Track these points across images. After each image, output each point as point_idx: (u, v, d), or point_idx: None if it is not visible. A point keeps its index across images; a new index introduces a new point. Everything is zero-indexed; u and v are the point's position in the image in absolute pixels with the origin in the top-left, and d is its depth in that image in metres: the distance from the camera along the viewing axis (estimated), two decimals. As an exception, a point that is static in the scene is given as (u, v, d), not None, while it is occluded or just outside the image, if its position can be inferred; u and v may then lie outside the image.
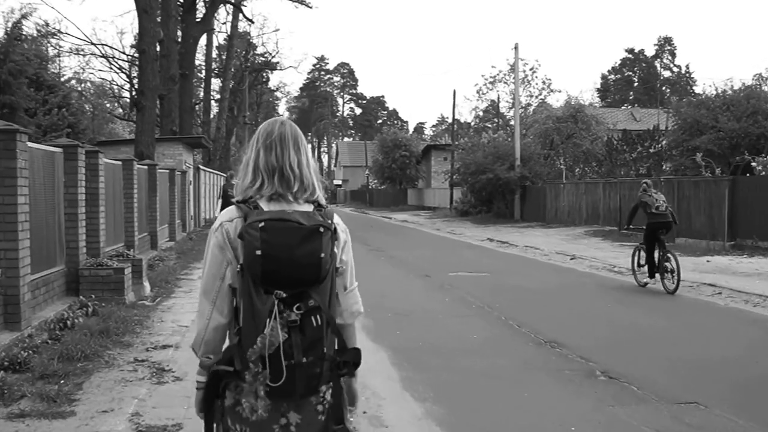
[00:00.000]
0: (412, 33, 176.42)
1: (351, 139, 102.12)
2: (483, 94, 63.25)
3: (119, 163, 12.76)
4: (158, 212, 16.08)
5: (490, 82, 62.48)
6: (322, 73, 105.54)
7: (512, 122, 48.01)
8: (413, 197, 51.78)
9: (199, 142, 23.92)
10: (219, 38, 46.42)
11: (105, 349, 6.86)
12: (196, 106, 39.84)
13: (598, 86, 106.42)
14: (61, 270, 9.05)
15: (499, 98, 56.20)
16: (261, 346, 2.13)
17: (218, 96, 43.00)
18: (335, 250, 2.30)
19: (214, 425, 2.36)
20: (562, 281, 13.42)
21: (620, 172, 34.92)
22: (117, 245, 12.23)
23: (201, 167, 27.77)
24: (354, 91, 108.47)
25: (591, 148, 37.09)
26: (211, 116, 44.27)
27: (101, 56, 34.12)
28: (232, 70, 45.51)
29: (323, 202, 2.42)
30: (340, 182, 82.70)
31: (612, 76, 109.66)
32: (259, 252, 2.15)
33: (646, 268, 11.94)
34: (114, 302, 9.10)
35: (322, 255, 2.20)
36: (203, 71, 42.11)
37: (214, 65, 47.45)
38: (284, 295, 2.15)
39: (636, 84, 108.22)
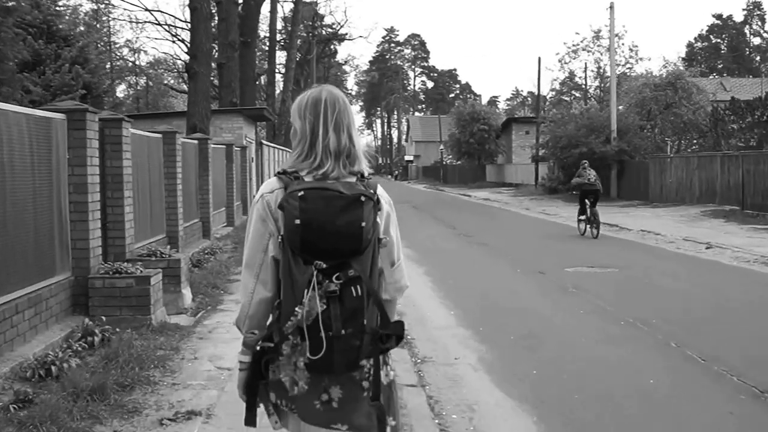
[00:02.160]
0: (485, 1, 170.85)
1: (422, 113, 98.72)
2: (565, 63, 59.56)
3: (158, 136, 10.33)
4: (211, 194, 13.68)
5: (573, 51, 58.71)
6: (392, 45, 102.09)
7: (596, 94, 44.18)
8: (492, 173, 48.47)
9: (262, 115, 21.42)
10: (284, 9, 44.13)
11: (93, 424, 4.34)
12: (260, 77, 37.53)
13: (683, 55, 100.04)
14: (64, 280, 6.64)
15: (586, 66, 52.17)
16: (299, 317, 2.05)
17: (283, 68, 40.70)
18: (377, 220, 2.21)
19: (258, 406, 2.28)
20: (717, 280, 10.33)
21: (727, 144, 30.89)
22: (155, 237, 9.83)
23: (264, 142, 25.37)
24: (425, 64, 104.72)
25: (693, 118, 33.07)
26: (276, 91, 42.03)
27: (157, 23, 32.04)
28: (299, 41, 43.11)
29: (366, 172, 2.30)
30: (411, 158, 79.73)
31: (699, 44, 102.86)
32: (298, 221, 2.08)
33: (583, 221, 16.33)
34: (135, 323, 6.63)
35: (363, 224, 2.11)
36: (267, 42, 39.71)
37: (279, 37, 45.16)
38: (324, 265, 2.08)
39: (724, 52, 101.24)
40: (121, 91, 48.70)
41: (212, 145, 15.15)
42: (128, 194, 8.10)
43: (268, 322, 2.27)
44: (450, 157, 58.04)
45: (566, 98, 73.23)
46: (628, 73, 56.61)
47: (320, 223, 2.09)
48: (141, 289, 6.76)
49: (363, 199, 2.15)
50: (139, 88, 46.59)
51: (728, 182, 22.31)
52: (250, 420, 2.31)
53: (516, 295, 9.31)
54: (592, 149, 28.55)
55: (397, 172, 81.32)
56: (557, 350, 6.59)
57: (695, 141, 34.82)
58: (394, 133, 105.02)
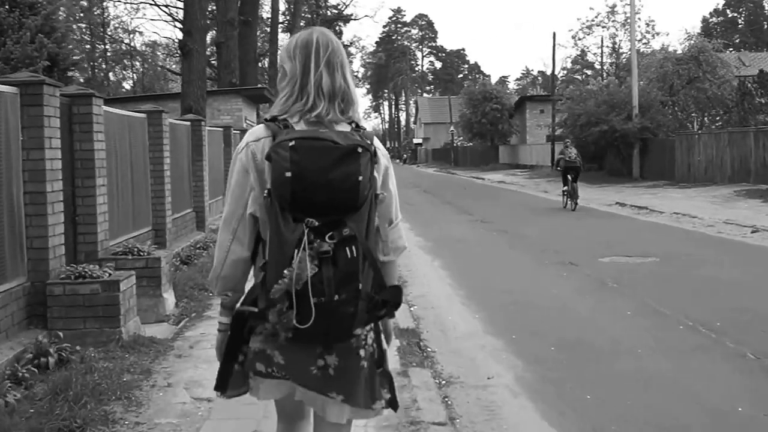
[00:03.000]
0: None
1: (431, 94, 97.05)
2: (579, 39, 57.84)
3: (141, 116, 9.16)
4: (206, 182, 12.54)
5: (587, 27, 57.02)
6: (399, 26, 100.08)
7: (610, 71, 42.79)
8: (505, 155, 47.10)
9: (263, 95, 20.11)
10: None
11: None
12: (261, 59, 36.21)
13: (698, 30, 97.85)
14: (17, 287, 5.52)
15: (602, 41, 50.45)
16: (287, 281, 1.87)
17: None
18: (375, 174, 2.05)
19: (235, 370, 2.12)
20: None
21: (754, 120, 29.41)
22: (139, 231, 8.70)
23: (269, 126, 24.14)
24: (433, 44, 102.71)
25: (718, 93, 31.55)
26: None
27: (153, 4, 30.75)
28: (302, 23, 41.72)
29: (361, 122, 2.14)
30: (420, 141, 78.27)
31: (714, 19, 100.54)
32: (288, 174, 1.91)
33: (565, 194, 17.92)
34: (102, 338, 5.53)
35: (360, 178, 1.95)
36: (269, 23, 38.35)
37: (281, 18, 43.77)
38: (316, 223, 1.91)
39: (741, 26, 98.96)
40: (115, 75, 47.72)
41: (208, 128, 13.98)
42: (101, 182, 6.96)
43: (247, 285, 2.12)
44: (461, 138, 56.57)
45: (577, 77, 71.63)
46: (643, 50, 55.01)
47: (313, 176, 1.92)
48: (109, 297, 5.64)
49: (360, 150, 1.98)
50: (134, 72, 45.57)
51: (763, 159, 20.99)
52: (221, 385, 2.16)
53: (548, 292, 8.13)
54: (614, 127, 27.22)
55: (405, 155, 79.91)
56: (610, 365, 5.43)
57: (718, 117, 33.36)
58: (402, 116, 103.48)
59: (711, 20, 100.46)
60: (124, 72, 47.71)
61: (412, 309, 7.28)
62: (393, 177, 2.24)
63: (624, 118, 27.45)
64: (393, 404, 2.21)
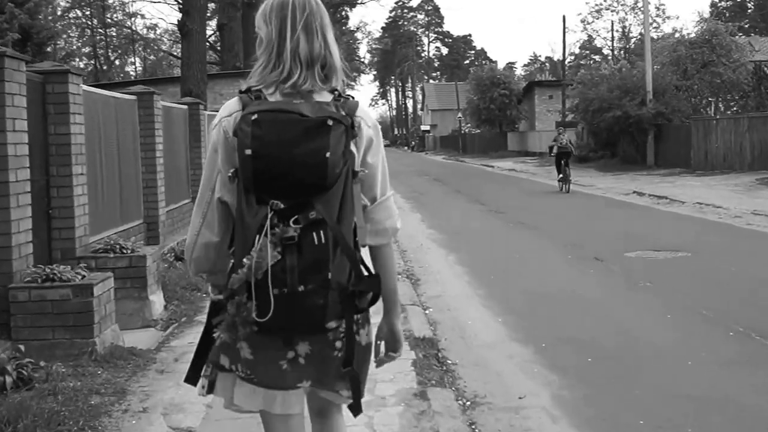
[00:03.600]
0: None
1: (437, 81, 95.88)
2: (588, 24, 56.86)
3: (131, 98, 8.40)
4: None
5: (596, 11, 56.00)
6: (405, 11, 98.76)
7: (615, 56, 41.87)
8: (514, 142, 46.14)
9: None
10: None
11: None
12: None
13: (706, 15, 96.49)
14: (-25, 292, 4.81)
15: (612, 24, 49.46)
16: (246, 269, 1.72)
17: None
18: (352, 149, 1.85)
19: (204, 367, 1.96)
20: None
21: (771, 105, 28.53)
22: (128, 225, 7.96)
23: (272, 112, 23.33)
24: (439, 30, 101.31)
25: (733, 77, 30.60)
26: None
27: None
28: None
29: (343, 89, 1.94)
30: (427, 127, 77.25)
31: (723, 3, 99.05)
32: (248, 151, 1.76)
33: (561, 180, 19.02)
34: (73, 351, 4.81)
35: (328, 154, 1.76)
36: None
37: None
38: (281, 206, 1.75)
39: (751, 11, 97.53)
40: (121, 60, 46.89)
41: (207, 112, 13.22)
42: (80, 171, 6.22)
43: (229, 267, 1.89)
44: (468, 125, 55.59)
45: (584, 62, 70.54)
46: (654, 34, 54.00)
47: (276, 153, 1.75)
48: (81, 303, 4.91)
49: (330, 122, 1.78)
50: (136, 56, 44.73)
51: (785, 146, 20.14)
52: (192, 377, 1.99)
53: (575, 291, 7.38)
54: (627, 112, 26.29)
55: (413, 142, 78.96)
56: (659, 380, 4.68)
57: (733, 102, 32.45)
58: (409, 103, 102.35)
59: (720, 4, 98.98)
60: (126, 57, 46.99)
61: (427, 312, 6.55)
62: (380, 149, 1.99)
63: (638, 103, 26.55)
64: (355, 409, 1.98)
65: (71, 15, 48.10)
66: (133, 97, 8.43)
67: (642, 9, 53.55)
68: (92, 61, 46.10)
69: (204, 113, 12.07)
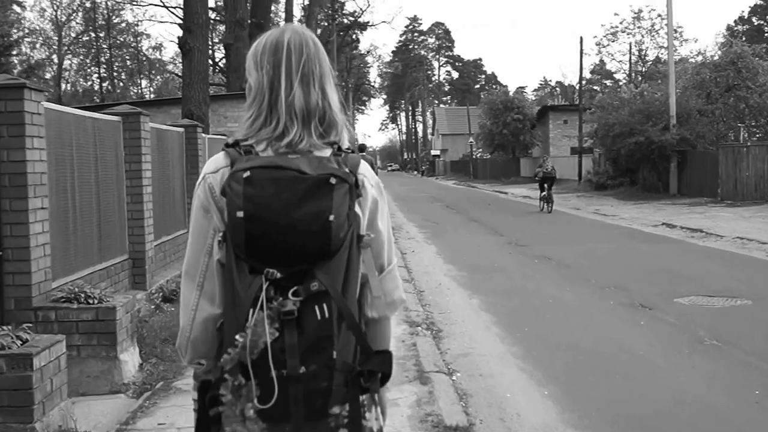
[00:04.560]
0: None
1: (448, 105, 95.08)
2: (603, 47, 56.04)
3: (114, 119, 7.37)
4: (202, 198, 10.76)
5: (612, 33, 55.20)
6: (416, 34, 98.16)
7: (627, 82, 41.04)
8: (527, 167, 45.04)
9: None
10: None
11: None
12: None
13: (722, 40, 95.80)
14: None
15: (630, 47, 48.61)
16: (239, 348, 1.49)
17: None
18: (356, 210, 1.62)
19: None
20: None
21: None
22: (106, 263, 6.89)
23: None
24: (450, 54, 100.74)
25: (760, 101, 29.54)
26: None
27: (157, 5, 29.11)
28: (318, 31, 40.17)
29: (346, 145, 1.70)
30: (438, 152, 76.29)
31: (740, 27, 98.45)
32: (240, 213, 1.52)
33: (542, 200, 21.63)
34: (7, 441, 3.72)
35: (332, 218, 1.53)
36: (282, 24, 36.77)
37: (295, 22, 42.26)
38: (278, 275, 1.52)
39: (767, 35, 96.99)
40: (131, 82, 46.33)
41: (208, 136, 12.22)
42: (40, 204, 5.17)
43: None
44: (480, 150, 54.56)
45: (597, 87, 69.61)
46: (661, 58, 53.18)
47: (272, 216, 1.52)
48: (18, 378, 3.83)
49: (333, 181, 1.55)
50: (141, 76, 44.12)
51: (822, 175, 18.97)
52: None
53: (631, 353, 6.23)
54: (650, 138, 25.23)
55: (423, 167, 78.01)
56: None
57: (756, 127, 31.42)
58: (419, 127, 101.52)
59: (736, 28, 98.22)
60: (132, 78, 46.42)
61: (455, 378, 5.42)
62: (385, 212, 1.74)
63: (661, 128, 25.48)
64: None
65: (84, 38, 47.95)
66: (117, 119, 7.40)
67: (659, 31, 52.85)
68: (93, 81, 45.74)
69: (203, 136, 11.07)
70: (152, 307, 7.15)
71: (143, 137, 7.65)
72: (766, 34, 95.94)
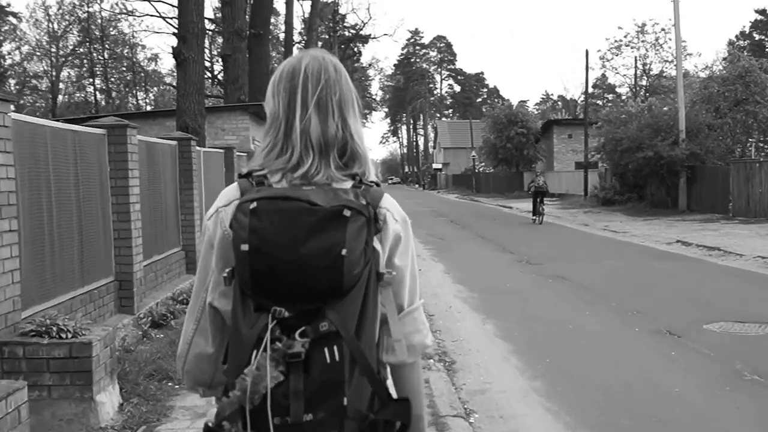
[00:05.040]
0: (513, 1, 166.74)
1: (450, 118, 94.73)
2: (607, 60, 55.70)
3: (98, 132, 6.80)
4: (198, 214, 10.17)
5: (616, 47, 54.87)
6: (417, 47, 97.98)
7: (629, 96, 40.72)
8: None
9: None
10: (304, 9, 40.85)
11: None
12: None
13: (724, 54, 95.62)
14: None
15: (636, 60, 48.21)
16: (239, 392, 1.36)
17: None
18: (375, 246, 1.49)
19: None
20: None
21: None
22: (89, 287, 6.31)
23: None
24: (452, 67, 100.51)
25: (769, 115, 29.04)
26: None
27: (155, 15, 28.65)
28: (319, 44, 39.77)
29: (371, 177, 1.57)
30: (439, 166, 75.81)
31: (740, 42, 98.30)
32: (245, 247, 1.39)
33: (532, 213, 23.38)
34: None
35: (344, 252, 1.38)
36: (283, 44, 36.33)
37: (297, 38, 41.83)
38: (286, 314, 1.38)
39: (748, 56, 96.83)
40: (131, 95, 45.84)
41: (204, 149, 11.68)
42: (7, 226, 4.60)
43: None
44: (482, 164, 54.04)
45: (599, 102, 69.28)
46: (674, 72, 52.91)
47: (278, 250, 1.38)
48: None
49: (347, 213, 1.41)
50: (137, 87, 43.61)
51: (838, 191, 18.37)
52: None
53: (666, 389, 5.61)
54: (659, 153, 24.68)
55: (425, 181, 77.48)
56: None
57: (765, 142, 30.93)
58: (420, 141, 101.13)
59: (737, 43, 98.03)
60: (127, 90, 45.96)
61: (472, 421, 4.82)
62: (409, 249, 1.59)
63: (670, 143, 24.93)
64: None
65: (79, 50, 47.56)
66: (101, 131, 6.84)
67: (663, 45, 52.49)
68: (86, 94, 45.28)
69: (197, 150, 10.52)
70: (139, 333, 6.55)
71: (130, 151, 7.09)
72: (767, 49, 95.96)
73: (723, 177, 23.61)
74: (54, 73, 46.12)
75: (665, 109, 27.34)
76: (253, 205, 1.41)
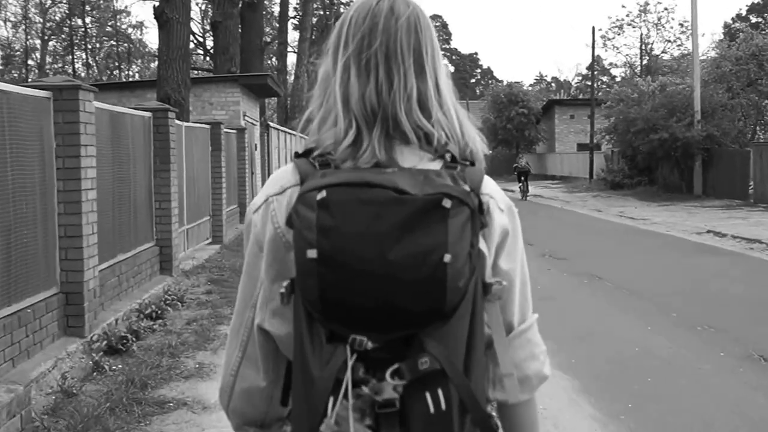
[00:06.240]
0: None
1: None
2: (609, 39, 54.21)
3: (40, 94, 5.19)
4: (176, 201, 8.57)
5: (618, 26, 53.38)
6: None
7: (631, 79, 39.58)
8: (532, 164, 43.15)
9: (265, 85, 15.66)
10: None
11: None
12: (267, 46, 32.16)
13: (720, 36, 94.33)
14: None
15: (642, 38, 46.71)
16: None
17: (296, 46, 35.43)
18: (482, 247, 1.12)
19: None
20: None
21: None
22: (22, 304, 4.74)
23: (272, 124, 20.09)
24: (447, 47, 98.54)
25: (785, 96, 27.76)
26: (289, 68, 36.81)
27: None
28: (314, 20, 37.88)
29: (467, 153, 1.19)
30: (434, 147, 74.16)
31: (737, 24, 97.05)
32: (313, 253, 1.02)
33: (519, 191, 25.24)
34: None
35: (447, 258, 1.01)
36: (278, 17, 34.49)
37: (292, 12, 39.91)
38: (369, 344, 1.03)
39: (765, 32, 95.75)
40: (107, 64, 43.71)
41: (184, 124, 10.06)
42: None
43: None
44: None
45: (590, 83, 67.90)
46: (677, 51, 51.80)
47: (358, 258, 1.01)
48: None
49: (447, 204, 1.03)
50: (119, 59, 41.48)
51: None
52: None
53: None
54: (674, 134, 23.23)
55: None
56: None
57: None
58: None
59: (734, 26, 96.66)
60: (113, 61, 43.92)
61: None
62: (519, 248, 1.22)
63: (686, 124, 23.47)
64: None
65: (64, 25, 45.51)
66: (45, 94, 5.22)
67: (666, 25, 51.07)
68: (68, 66, 43.33)
69: (177, 124, 8.91)
70: (90, 363, 4.97)
71: (84, 121, 5.47)
72: (763, 32, 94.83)
73: (742, 160, 22.22)
74: (40, 46, 44.17)
75: (680, 87, 25.84)
76: (322, 194, 1.03)
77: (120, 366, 5.00)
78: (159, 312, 6.38)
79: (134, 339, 5.47)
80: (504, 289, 1.16)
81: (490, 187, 1.19)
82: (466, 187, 1.07)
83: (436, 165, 1.14)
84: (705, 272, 10.23)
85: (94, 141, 5.68)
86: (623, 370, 5.72)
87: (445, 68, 1.27)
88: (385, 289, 1.02)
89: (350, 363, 1.02)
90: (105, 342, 5.32)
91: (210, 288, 8.02)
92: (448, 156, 1.15)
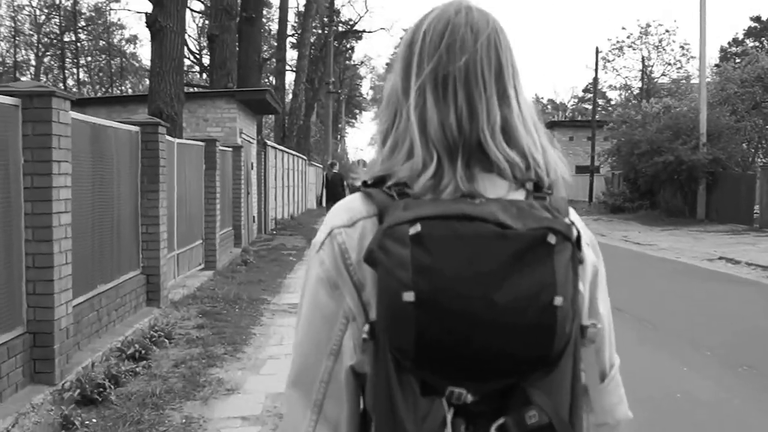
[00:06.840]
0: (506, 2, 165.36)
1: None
2: (609, 61, 54.03)
3: (7, 102, 4.55)
4: (165, 224, 7.91)
5: (617, 48, 53.24)
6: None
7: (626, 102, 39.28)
8: (529, 186, 42.76)
9: (263, 101, 14.93)
10: (298, 2, 38.77)
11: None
12: (266, 62, 31.62)
13: (716, 61, 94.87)
14: None
15: (643, 60, 46.48)
16: None
17: (295, 64, 34.94)
18: (579, 286, 1.01)
19: None
20: None
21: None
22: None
23: (269, 143, 19.44)
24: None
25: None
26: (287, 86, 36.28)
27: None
28: (312, 38, 37.56)
29: (548, 180, 1.09)
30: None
31: (733, 48, 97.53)
32: (410, 297, 0.91)
33: None
34: None
35: (557, 301, 0.93)
36: (276, 35, 34.03)
37: (290, 30, 39.64)
38: (470, 398, 0.95)
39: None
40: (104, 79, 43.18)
41: (176, 140, 9.42)
42: None
43: None
44: (477, 167, 52.19)
45: (588, 106, 67.66)
46: (677, 75, 51.73)
47: (461, 301, 0.90)
48: None
49: (552, 240, 0.94)
50: (111, 72, 40.82)
51: None
52: None
53: None
54: (680, 157, 22.72)
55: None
56: None
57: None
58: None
59: (730, 50, 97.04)
60: (106, 75, 43.30)
61: None
62: (604, 285, 1.17)
63: (692, 147, 22.99)
64: None
65: (57, 41, 45.06)
66: (12, 101, 4.58)
67: (666, 47, 50.93)
68: (61, 81, 42.81)
69: (168, 140, 8.28)
70: (58, 418, 4.27)
71: (58, 134, 4.84)
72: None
73: (747, 184, 21.72)
74: (34, 62, 43.60)
75: (686, 109, 25.40)
76: (416, 228, 0.93)
77: (95, 420, 4.30)
78: (143, 351, 5.69)
79: (113, 386, 4.77)
80: (598, 332, 1.10)
81: (574, 217, 1.09)
82: (567, 220, 1.00)
83: (520, 195, 1.07)
84: (728, 303, 9.61)
85: (70, 157, 5.04)
86: (666, 422, 5.06)
87: (520, 79, 1.17)
88: (488, 335, 0.93)
89: (449, 418, 0.94)
90: (78, 391, 4.62)
91: (201, 322, 7.32)
92: (529, 185, 1.08)
